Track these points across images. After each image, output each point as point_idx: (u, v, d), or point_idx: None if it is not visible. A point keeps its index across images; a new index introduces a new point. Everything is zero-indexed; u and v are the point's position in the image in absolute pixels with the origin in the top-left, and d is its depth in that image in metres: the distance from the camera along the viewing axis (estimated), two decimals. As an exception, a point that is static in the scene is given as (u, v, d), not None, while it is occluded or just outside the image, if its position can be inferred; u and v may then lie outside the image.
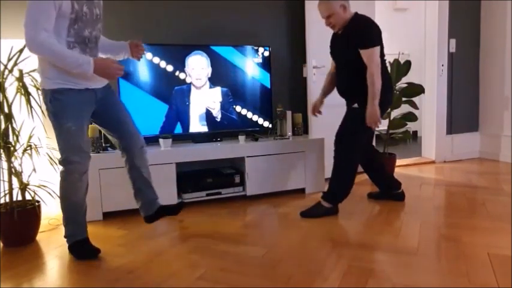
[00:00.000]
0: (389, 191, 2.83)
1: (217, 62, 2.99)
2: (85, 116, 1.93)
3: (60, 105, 1.83)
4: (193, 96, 2.94)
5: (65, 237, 2.02)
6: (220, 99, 3.03)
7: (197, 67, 2.93)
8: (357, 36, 2.37)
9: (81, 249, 1.99)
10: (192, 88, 2.94)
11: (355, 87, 2.45)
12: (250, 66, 3.09)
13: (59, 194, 1.98)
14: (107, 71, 1.84)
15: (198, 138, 3.00)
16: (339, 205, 2.58)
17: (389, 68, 3.60)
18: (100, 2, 1.98)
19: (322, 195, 2.56)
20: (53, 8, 1.72)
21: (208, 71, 2.96)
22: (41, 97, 1.93)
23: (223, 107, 3.04)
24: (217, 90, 3.01)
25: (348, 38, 2.41)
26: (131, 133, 2.08)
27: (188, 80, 2.92)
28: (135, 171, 2.12)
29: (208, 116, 3.01)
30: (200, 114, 2.98)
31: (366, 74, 2.36)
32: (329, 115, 3.48)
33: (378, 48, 2.35)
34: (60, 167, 1.93)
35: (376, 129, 3.89)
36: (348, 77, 2.49)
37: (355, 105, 2.46)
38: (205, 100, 2.98)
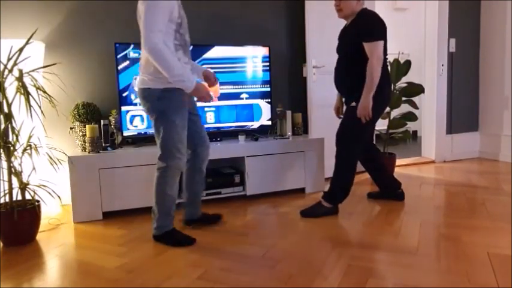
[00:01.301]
0: (389, 190, 2.83)
1: (220, 65, 2.98)
2: (186, 115, 2.08)
3: (169, 103, 1.97)
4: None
5: (155, 228, 2.12)
6: (220, 99, 3.02)
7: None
8: (361, 28, 2.36)
9: (174, 238, 2.10)
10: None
11: (351, 81, 2.45)
12: (250, 65, 3.09)
13: (156, 189, 2.06)
14: (201, 94, 2.01)
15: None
16: (341, 206, 2.58)
17: (389, 68, 3.62)
18: None
19: (322, 195, 2.56)
20: (168, 13, 1.88)
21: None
22: (140, 95, 2.02)
23: (223, 106, 3.04)
24: (219, 92, 3.00)
25: (352, 30, 2.41)
26: (206, 143, 2.28)
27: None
28: (199, 176, 2.29)
29: (208, 115, 3.01)
30: (201, 114, 2.98)
31: (363, 69, 2.36)
32: (329, 115, 3.48)
33: (381, 43, 2.33)
34: (160, 163, 2.04)
35: (376, 128, 3.92)
36: (345, 70, 2.49)
37: (353, 103, 2.46)
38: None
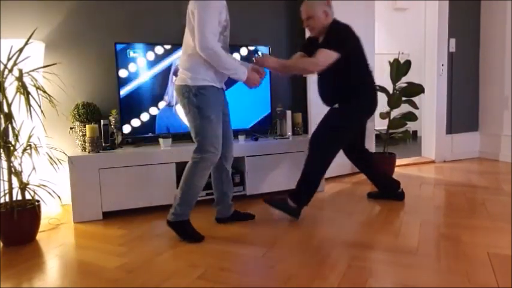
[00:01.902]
0: (388, 190, 2.83)
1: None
2: (221, 111, 2.17)
3: (205, 100, 2.06)
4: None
5: (172, 213, 2.16)
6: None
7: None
8: (325, 37, 2.37)
9: (186, 229, 2.17)
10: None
11: (335, 91, 2.46)
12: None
13: (185, 176, 2.12)
14: (252, 81, 2.18)
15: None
16: (341, 206, 2.58)
17: (389, 68, 3.63)
18: None
19: (289, 193, 2.47)
20: (218, 14, 2.00)
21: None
22: (178, 91, 2.11)
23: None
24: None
25: (322, 43, 2.38)
26: (231, 142, 2.34)
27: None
28: (226, 175, 2.36)
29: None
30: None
31: (346, 78, 2.38)
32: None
33: (331, 55, 2.29)
34: (194, 155, 2.11)
35: (376, 128, 3.92)
36: (329, 85, 2.48)
37: (336, 105, 2.45)
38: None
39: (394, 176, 3.58)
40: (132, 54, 2.77)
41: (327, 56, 2.31)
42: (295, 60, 2.46)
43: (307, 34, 3.33)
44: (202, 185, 2.16)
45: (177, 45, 2.88)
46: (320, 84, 2.56)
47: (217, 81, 2.12)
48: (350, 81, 2.43)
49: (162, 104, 2.88)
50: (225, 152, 2.29)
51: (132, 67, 2.79)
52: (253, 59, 2.36)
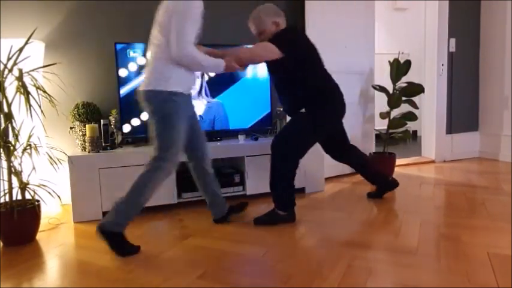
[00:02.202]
0: (387, 187, 2.83)
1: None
2: (187, 119, 2.12)
3: (175, 107, 1.99)
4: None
5: (109, 221, 1.92)
6: (219, 98, 3.02)
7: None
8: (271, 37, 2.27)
9: (119, 242, 1.96)
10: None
11: (295, 100, 2.36)
12: (249, 65, 3.09)
13: (136, 184, 1.96)
14: (231, 67, 2.16)
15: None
16: (340, 206, 2.58)
17: (389, 68, 3.63)
18: None
19: (274, 206, 2.42)
20: (198, 22, 1.96)
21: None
22: (144, 97, 2.01)
23: (223, 106, 3.04)
24: (217, 90, 3.01)
25: None
26: (204, 143, 2.30)
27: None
28: (208, 176, 2.33)
29: (207, 115, 3.01)
30: (199, 114, 2.98)
31: (303, 84, 2.30)
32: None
33: (272, 48, 2.20)
34: (153, 163, 2.00)
35: (376, 128, 3.92)
36: (290, 95, 2.38)
37: (302, 110, 2.35)
38: (203, 100, 2.98)
39: (394, 176, 3.59)
40: (132, 53, 2.77)
41: (265, 47, 2.21)
42: (245, 52, 2.25)
43: (308, 34, 3.34)
44: (149, 197, 2.00)
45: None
46: (280, 98, 2.46)
47: (187, 88, 2.06)
48: (309, 90, 2.32)
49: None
50: (201, 154, 2.27)
51: (132, 67, 2.79)
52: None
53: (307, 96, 2.34)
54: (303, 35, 2.34)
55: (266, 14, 2.31)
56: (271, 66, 2.36)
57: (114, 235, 1.95)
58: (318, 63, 2.36)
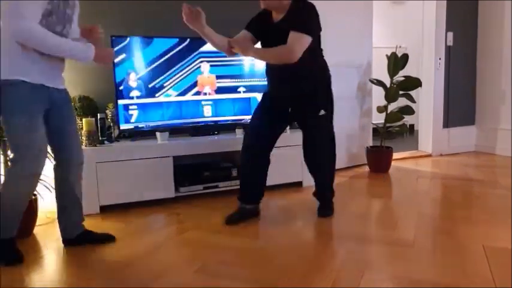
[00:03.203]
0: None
1: (216, 58, 2.97)
2: (32, 112, 1.74)
3: (7, 99, 1.69)
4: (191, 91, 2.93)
5: None
6: (218, 93, 3.01)
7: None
8: (291, 17, 2.09)
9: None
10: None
11: (307, 84, 2.21)
12: (248, 59, 3.07)
13: None
14: (104, 54, 1.87)
15: (195, 131, 2.99)
16: (337, 199, 2.57)
17: (386, 62, 3.62)
18: (75, 3, 1.95)
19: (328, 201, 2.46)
20: None
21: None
22: None
23: (221, 100, 3.03)
24: (216, 85, 3.00)
25: (289, 22, 2.09)
26: (74, 147, 1.96)
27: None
28: (67, 185, 1.97)
29: (206, 109, 3.00)
30: (198, 108, 2.97)
31: (316, 59, 2.21)
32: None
33: (308, 39, 2.06)
34: (11, 165, 1.79)
35: (373, 122, 3.92)
36: (297, 74, 2.17)
37: (322, 112, 2.25)
38: (202, 94, 2.97)
39: (391, 170, 3.60)
40: (128, 47, 2.75)
41: (303, 41, 2.05)
42: (271, 49, 2.11)
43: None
44: (19, 197, 1.80)
45: (173, 37, 2.86)
46: (285, 82, 2.21)
47: (33, 74, 1.72)
48: (320, 64, 2.26)
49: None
50: (63, 158, 1.94)
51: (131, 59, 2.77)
52: (228, 40, 2.17)
53: (321, 72, 2.26)
54: (315, 7, 2.17)
55: None
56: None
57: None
58: (319, 43, 2.27)
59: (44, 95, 1.79)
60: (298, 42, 2.04)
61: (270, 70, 2.31)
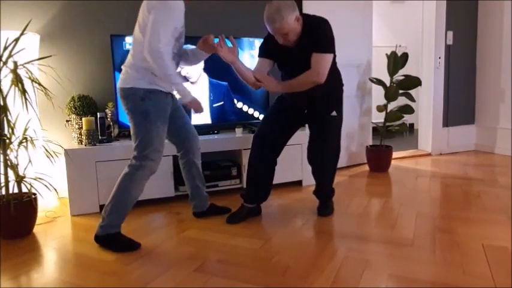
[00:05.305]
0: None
1: (215, 56, 2.96)
2: (167, 117, 2.08)
3: (152, 104, 1.97)
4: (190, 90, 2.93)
5: (101, 226, 1.97)
6: (217, 92, 3.01)
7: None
8: (314, 39, 2.08)
9: (118, 242, 1.97)
10: (188, 82, 2.92)
11: (328, 94, 2.26)
12: (248, 60, 3.08)
13: (120, 184, 1.97)
14: (195, 106, 2.10)
15: (195, 130, 2.99)
16: (337, 199, 2.59)
17: (386, 61, 3.62)
18: None
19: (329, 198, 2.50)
20: (177, 23, 1.94)
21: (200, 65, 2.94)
22: (121, 94, 1.98)
23: (221, 99, 3.03)
24: (215, 84, 3.00)
25: (308, 43, 2.09)
26: (193, 135, 2.31)
27: (183, 73, 2.91)
28: (196, 169, 2.35)
29: (205, 108, 3.00)
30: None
31: (334, 73, 2.25)
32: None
33: (330, 58, 2.11)
34: (134, 161, 1.99)
35: (373, 121, 3.92)
36: (321, 86, 2.14)
37: (333, 113, 2.30)
38: (201, 93, 2.97)
39: (391, 169, 3.61)
40: (128, 46, 2.75)
41: (327, 61, 2.09)
42: (298, 79, 2.13)
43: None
44: (138, 195, 2.01)
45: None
46: (309, 91, 2.17)
47: (164, 85, 2.01)
48: (336, 70, 2.31)
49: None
50: (189, 146, 2.29)
51: (128, 59, 2.77)
52: (254, 76, 2.18)
53: (337, 84, 2.34)
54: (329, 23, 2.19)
55: (288, 13, 2.00)
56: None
57: (110, 237, 1.97)
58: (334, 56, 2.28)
59: (170, 101, 2.10)
60: (323, 63, 2.08)
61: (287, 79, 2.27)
